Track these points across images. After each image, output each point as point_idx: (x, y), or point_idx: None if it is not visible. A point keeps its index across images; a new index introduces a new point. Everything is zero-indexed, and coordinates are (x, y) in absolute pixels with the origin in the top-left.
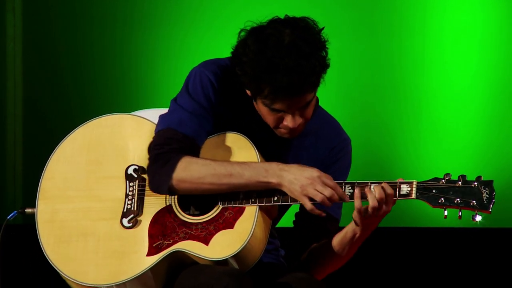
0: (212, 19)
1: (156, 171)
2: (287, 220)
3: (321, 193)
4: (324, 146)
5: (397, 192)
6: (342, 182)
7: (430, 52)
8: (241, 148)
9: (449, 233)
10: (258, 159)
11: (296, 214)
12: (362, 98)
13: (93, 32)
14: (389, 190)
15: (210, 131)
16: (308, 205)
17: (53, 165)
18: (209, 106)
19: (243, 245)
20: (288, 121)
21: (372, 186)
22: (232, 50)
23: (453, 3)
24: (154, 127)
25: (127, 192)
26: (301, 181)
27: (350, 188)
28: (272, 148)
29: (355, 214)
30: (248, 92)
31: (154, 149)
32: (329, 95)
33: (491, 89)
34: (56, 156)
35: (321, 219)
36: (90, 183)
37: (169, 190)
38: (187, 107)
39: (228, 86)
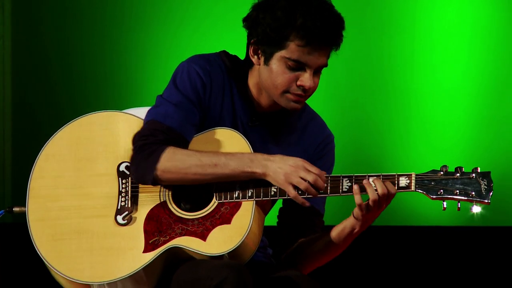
0: (201, 18)
1: (140, 162)
2: (271, 219)
3: (304, 180)
4: (310, 142)
5: (396, 185)
6: (340, 176)
7: (419, 51)
8: (233, 143)
9: (442, 232)
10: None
11: (280, 209)
12: (352, 97)
13: (83, 31)
14: (390, 186)
15: (197, 124)
16: (292, 192)
17: (42, 164)
18: (196, 99)
19: (241, 240)
20: (306, 79)
21: (371, 179)
22: (253, 10)
23: (442, 2)
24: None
25: (120, 189)
26: (285, 169)
27: (348, 181)
28: (260, 143)
29: (356, 210)
30: (255, 59)
31: (139, 140)
32: (318, 94)
33: (480, 88)
34: (44, 154)
35: (305, 213)
36: (81, 180)
37: (153, 181)
38: (173, 100)
39: (216, 81)
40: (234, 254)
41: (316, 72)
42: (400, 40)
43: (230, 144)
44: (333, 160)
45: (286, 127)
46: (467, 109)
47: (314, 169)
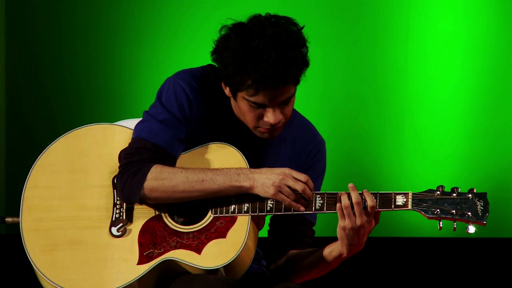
0: (195, 30)
1: (126, 181)
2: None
3: (293, 189)
4: (301, 150)
5: (393, 203)
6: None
7: (413, 62)
8: (229, 158)
9: (437, 243)
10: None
11: (271, 218)
12: (346, 108)
13: (77, 42)
14: (369, 199)
15: (183, 140)
16: (286, 200)
17: (36, 174)
18: (182, 116)
19: (236, 255)
20: (269, 116)
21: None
22: (213, 46)
23: (436, 13)
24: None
25: (115, 201)
26: (272, 179)
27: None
28: (251, 155)
29: (338, 231)
30: (227, 91)
31: (124, 158)
32: (313, 105)
33: (474, 101)
34: (39, 165)
35: (296, 223)
36: (75, 192)
37: (140, 200)
38: (159, 116)
39: (203, 96)
40: (228, 268)
41: (284, 103)
42: (394, 53)
43: (225, 158)
44: (324, 166)
45: (276, 138)
46: (461, 121)
47: (301, 176)
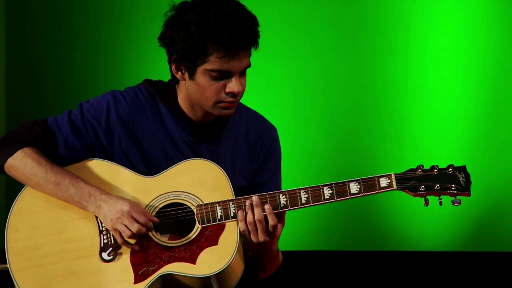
0: None
1: (2, 142)
2: None
3: (129, 228)
4: (255, 140)
5: (377, 186)
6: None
7: (413, 76)
8: (210, 174)
9: (437, 257)
10: (230, 187)
11: None
12: (346, 123)
13: (77, 42)
14: (271, 218)
15: (81, 151)
16: (118, 239)
17: (15, 219)
18: (92, 131)
19: (232, 257)
20: (233, 85)
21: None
22: (166, 28)
23: (436, 27)
24: (116, 166)
25: (101, 228)
26: (112, 215)
27: (329, 189)
28: (209, 156)
29: (245, 246)
30: (180, 75)
31: (21, 124)
32: (313, 119)
33: (474, 114)
34: (16, 210)
35: None
36: (58, 227)
37: (1, 169)
38: (74, 117)
39: (138, 111)
40: (223, 276)
41: (241, 75)
42: (394, 66)
43: (206, 175)
44: (280, 152)
45: (228, 131)
46: (461, 136)
47: (140, 218)
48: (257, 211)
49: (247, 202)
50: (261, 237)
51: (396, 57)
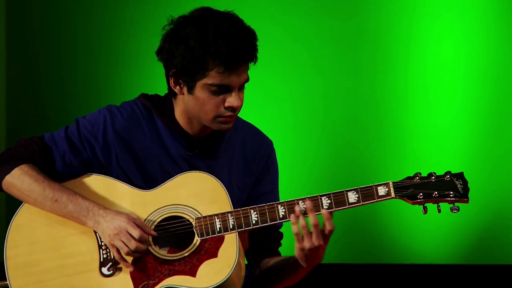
0: None
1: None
2: None
3: (126, 245)
4: (252, 154)
5: (376, 195)
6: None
7: (413, 90)
8: (208, 187)
9: (437, 270)
10: (228, 199)
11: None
12: (346, 135)
13: (77, 42)
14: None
15: (78, 167)
16: (116, 255)
17: (13, 235)
18: (89, 146)
19: (232, 269)
20: (232, 100)
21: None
22: (164, 43)
23: (435, 39)
24: (113, 181)
25: (100, 243)
26: (110, 231)
27: (327, 199)
28: (206, 170)
29: (297, 251)
30: (178, 90)
31: (17, 141)
32: (313, 131)
33: (474, 128)
34: (14, 226)
35: (263, 232)
36: (56, 243)
37: (0, 187)
38: (71, 134)
39: (134, 126)
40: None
41: (240, 89)
42: (394, 79)
43: (203, 187)
44: (277, 166)
45: (225, 145)
46: (462, 148)
47: (136, 233)
48: (312, 215)
49: (297, 208)
50: (316, 242)
51: (396, 69)
